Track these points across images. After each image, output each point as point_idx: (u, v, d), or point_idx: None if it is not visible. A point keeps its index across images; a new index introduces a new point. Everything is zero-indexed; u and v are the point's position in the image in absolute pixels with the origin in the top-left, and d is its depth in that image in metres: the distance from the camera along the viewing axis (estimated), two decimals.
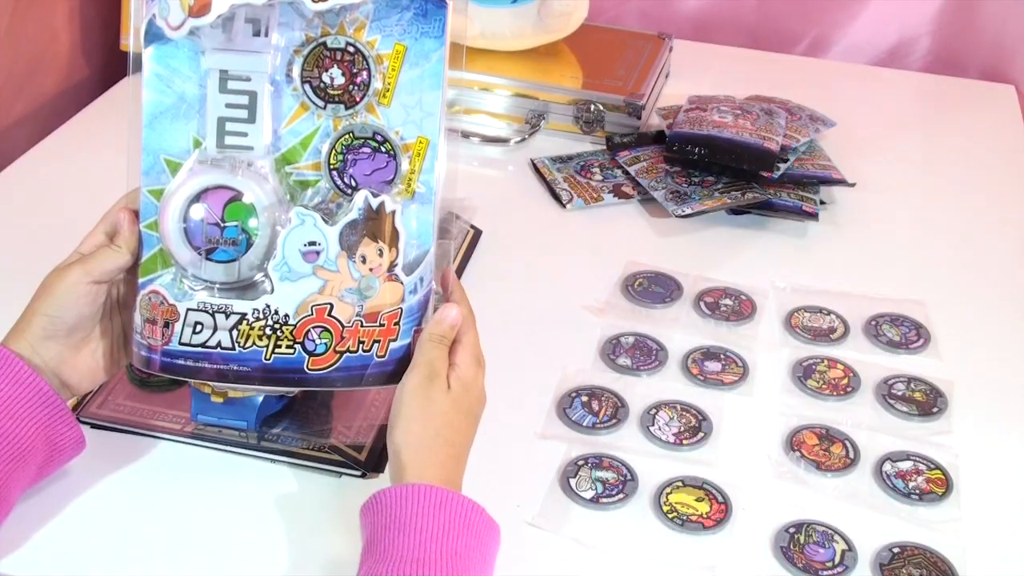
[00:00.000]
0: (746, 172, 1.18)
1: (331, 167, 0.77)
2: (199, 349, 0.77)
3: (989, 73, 1.49)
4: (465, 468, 0.76)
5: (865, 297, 1.06)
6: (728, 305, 1.04)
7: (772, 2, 1.54)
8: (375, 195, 0.75)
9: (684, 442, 0.89)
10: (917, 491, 0.85)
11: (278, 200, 0.76)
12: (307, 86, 0.77)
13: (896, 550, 0.80)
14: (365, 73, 0.76)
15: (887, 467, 0.87)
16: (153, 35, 0.75)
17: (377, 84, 0.76)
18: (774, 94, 1.33)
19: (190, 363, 0.77)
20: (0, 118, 1.24)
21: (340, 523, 0.77)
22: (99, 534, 0.79)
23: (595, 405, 0.92)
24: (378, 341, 0.77)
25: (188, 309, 0.76)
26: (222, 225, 0.75)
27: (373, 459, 0.85)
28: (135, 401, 0.89)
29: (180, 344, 0.77)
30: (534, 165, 1.26)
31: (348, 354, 0.77)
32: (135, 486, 0.83)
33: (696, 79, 1.42)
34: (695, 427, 0.90)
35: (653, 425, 0.90)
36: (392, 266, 0.76)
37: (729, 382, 0.95)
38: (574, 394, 0.93)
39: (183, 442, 0.86)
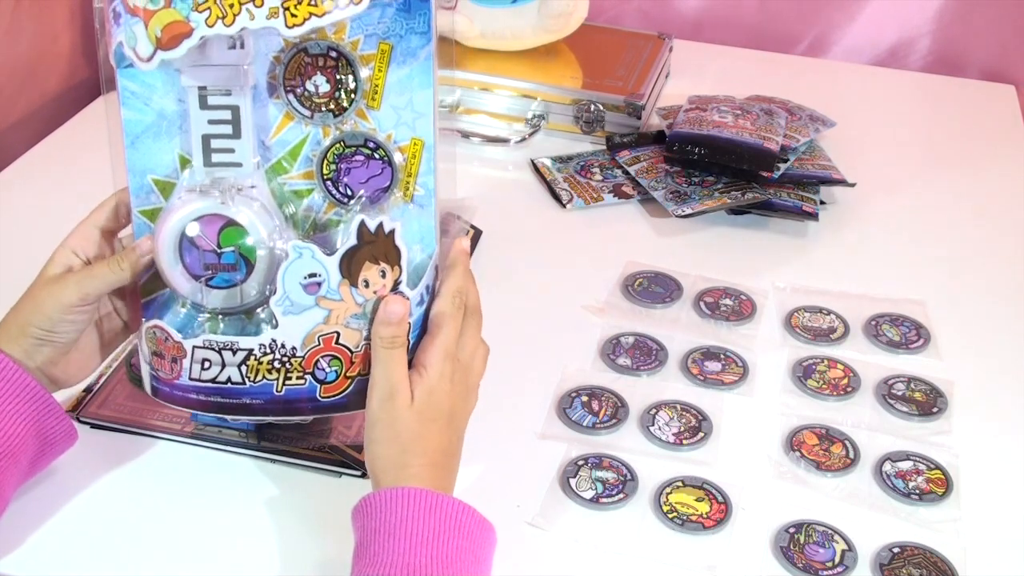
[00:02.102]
0: (746, 172, 1.18)
1: (324, 177, 0.75)
2: (210, 384, 0.76)
3: (989, 73, 1.49)
4: (454, 469, 0.76)
5: (865, 297, 1.06)
6: (728, 305, 1.04)
7: (772, 2, 1.54)
8: (372, 217, 0.73)
9: (684, 442, 0.89)
10: (917, 491, 0.85)
11: (272, 220, 0.74)
12: (291, 95, 0.74)
13: (896, 550, 0.80)
14: (350, 77, 0.73)
15: (887, 467, 0.87)
16: (122, 56, 0.73)
17: (364, 87, 0.73)
18: (774, 94, 1.33)
19: (202, 397, 0.76)
20: (0, 118, 1.24)
21: (340, 523, 0.76)
22: (99, 534, 0.80)
23: (595, 405, 0.92)
24: None
25: (194, 347, 0.75)
26: (219, 252, 0.74)
27: None
28: (135, 401, 0.89)
29: (190, 379, 0.76)
30: (534, 165, 1.26)
31: (359, 377, 0.76)
32: (135, 486, 0.83)
33: (696, 79, 1.42)
34: (695, 427, 0.90)
35: (653, 425, 0.90)
36: (396, 285, 0.75)
37: (729, 382, 0.95)
38: (574, 394, 0.93)
39: (183, 442, 0.86)
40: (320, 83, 0.73)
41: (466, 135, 1.29)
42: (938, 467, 0.87)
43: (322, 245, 0.74)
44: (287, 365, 0.75)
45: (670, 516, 0.82)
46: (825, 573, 0.78)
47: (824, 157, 1.23)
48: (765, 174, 1.17)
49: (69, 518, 0.80)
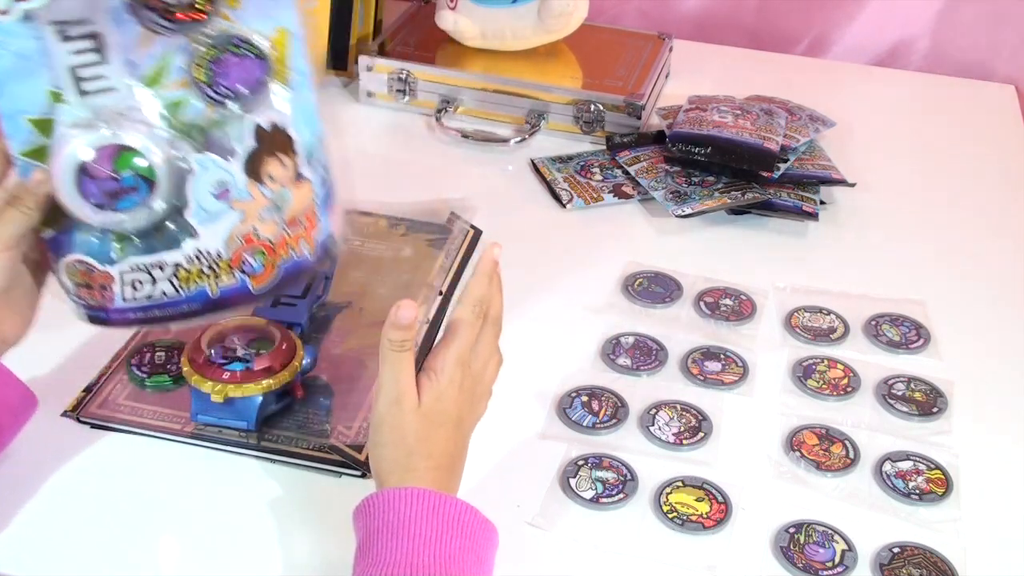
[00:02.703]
0: (746, 172, 1.18)
1: (201, 83, 0.75)
2: (145, 302, 0.77)
3: (989, 73, 1.49)
4: (458, 473, 0.76)
5: (865, 297, 1.06)
6: (728, 305, 1.04)
7: (772, 2, 1.54)
8: (261, 115, 0.74)
9: (684, 442, 0.89)
10: (917, 491, 0.85)
11: (160, 133, 0.74)
12: (152, 12, 0.73)
13: (896, 550, 0.80)
14: None
15: (887, 467, 0.87)
16: None
17: None
18: (774, 94, 1.33)
19: (140, 314, 0.77)
20: None
21: (340, 523, 0.77)
22: (99, 534, 0.80)
23: (595, 405, 0.92)
24: (305, 240, 0.77)
25: (121, 272, 0.76)
26: (117, 177, 0.73)
27: None
28: (135, 401, 0.89)
29: (124, 301, 0.77)
30: (534, 165, 1.26)
31: (283, 261, 0.77)
32: (134, 486, 0.83)
33: (696, 79, 1.42)
34: (695, 427, 0.90)
35: (653, 425, 0.90)
36: (297, 172, 0.76)
37: (729, 382, 0.95)
38: (574, 394, 0.93)
39: (183, 442, 0.86)
40: None
41: (466, 135, 1.29)
42: (938, 467, 0.87)
43: (216, 146, 0.75)
44: (215, 268, 0.76)
45: (670, 516, 0.82)
46: (825, 573, 0.79)
47: (824, 157, 1.23)
48: (765, 174, 1.17)
49: (68, 518, 0.80)
